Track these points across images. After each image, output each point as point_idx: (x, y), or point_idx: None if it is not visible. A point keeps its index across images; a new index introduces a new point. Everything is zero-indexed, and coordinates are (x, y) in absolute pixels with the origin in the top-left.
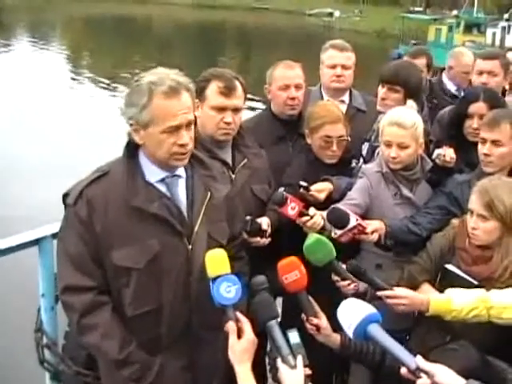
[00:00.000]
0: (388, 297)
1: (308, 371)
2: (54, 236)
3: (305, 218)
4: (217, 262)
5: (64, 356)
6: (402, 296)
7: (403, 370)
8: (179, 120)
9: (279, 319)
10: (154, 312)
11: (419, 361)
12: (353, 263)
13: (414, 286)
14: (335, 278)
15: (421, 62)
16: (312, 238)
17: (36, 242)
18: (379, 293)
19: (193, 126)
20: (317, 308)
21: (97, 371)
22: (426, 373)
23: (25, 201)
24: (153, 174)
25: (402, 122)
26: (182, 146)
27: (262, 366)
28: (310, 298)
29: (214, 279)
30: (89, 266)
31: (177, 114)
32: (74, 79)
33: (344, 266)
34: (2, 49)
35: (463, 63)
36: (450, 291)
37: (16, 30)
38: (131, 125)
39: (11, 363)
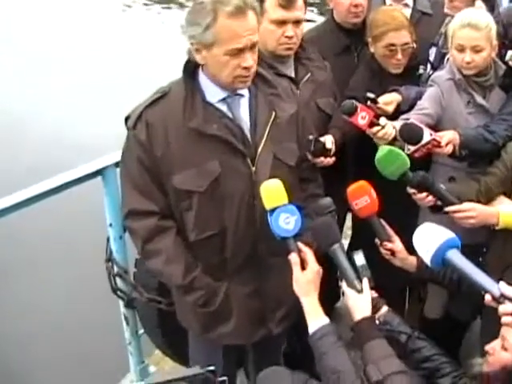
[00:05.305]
0: (455, 211)
1: (374, 294)
2: (116, 165)
3: (376, 128)
4: (272, 193)
5: (136, 284)
6: (469, 209)
7: (487, 298)
8: (244, 42)
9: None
10: (217, 236)
11: (503, 287)
12: (420, 173)
13: (490, 199)
14: (411, 190)
15: None
16: (384, 149)
17: (99, 172)
18: (446, 209)
19: (257, 48)
20: (390, 231)
21: (169, 297)
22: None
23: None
24: (213, 93)
25: (475, 24)
26: (245, 68)
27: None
28: (383, 221)
29: (272, 211)
30: (151, 190)
31: (242, 36)
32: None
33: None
34: None
35: None
36: None
37: None
38: (192, 44)
39: (86, 293)
